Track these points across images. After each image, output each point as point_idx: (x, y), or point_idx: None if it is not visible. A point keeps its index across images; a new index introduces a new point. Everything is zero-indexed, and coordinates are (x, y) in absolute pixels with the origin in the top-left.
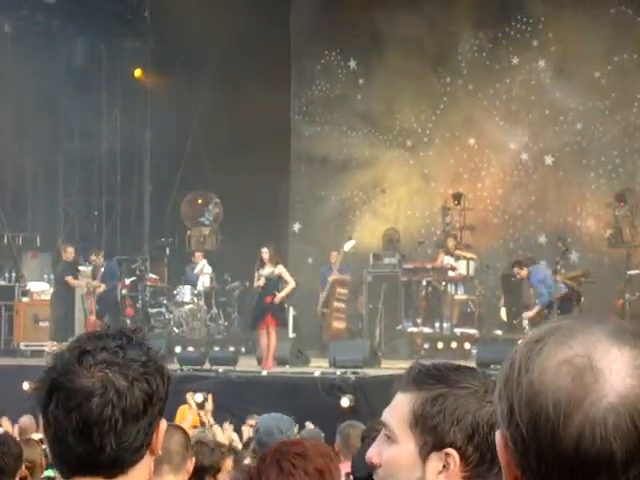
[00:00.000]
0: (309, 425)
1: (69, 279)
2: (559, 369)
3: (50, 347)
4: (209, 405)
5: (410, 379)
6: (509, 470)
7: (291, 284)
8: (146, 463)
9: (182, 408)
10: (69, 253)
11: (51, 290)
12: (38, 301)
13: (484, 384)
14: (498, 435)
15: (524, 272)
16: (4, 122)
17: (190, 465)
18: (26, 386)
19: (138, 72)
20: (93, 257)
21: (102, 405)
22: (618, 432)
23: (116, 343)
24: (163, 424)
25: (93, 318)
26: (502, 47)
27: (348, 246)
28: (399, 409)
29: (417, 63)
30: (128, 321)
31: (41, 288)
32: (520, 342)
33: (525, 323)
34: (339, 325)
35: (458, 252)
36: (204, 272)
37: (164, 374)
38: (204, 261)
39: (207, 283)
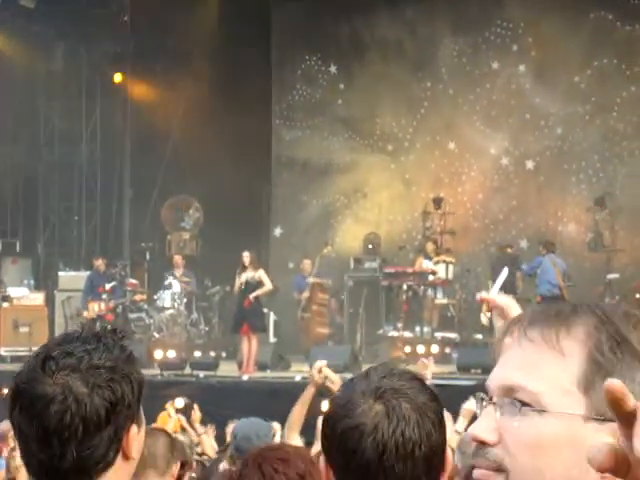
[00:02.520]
0: (276, 426)
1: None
2: None
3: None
4: (196, 414)
5: None
6: None
7: (267, 286)
8: (122, 469)
9: (162, 415)
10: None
11: (32, 295)
12: (18, 306)
13: None
14: None
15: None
16: None
17: (175, 469)
18: (5, 391)
19: (118, 77)
20: (99, 262)
21: (61, 413)
22: None
23: (84, 348)
24: (134, 429)
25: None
26: (482, 52)
27: (325, 251)
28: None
29: (398, 68)
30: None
31: (21, 293)
32: None
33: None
34: (321, 330)
35: (437, 258)
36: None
37: (132, 380)
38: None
39: (177, 289)
